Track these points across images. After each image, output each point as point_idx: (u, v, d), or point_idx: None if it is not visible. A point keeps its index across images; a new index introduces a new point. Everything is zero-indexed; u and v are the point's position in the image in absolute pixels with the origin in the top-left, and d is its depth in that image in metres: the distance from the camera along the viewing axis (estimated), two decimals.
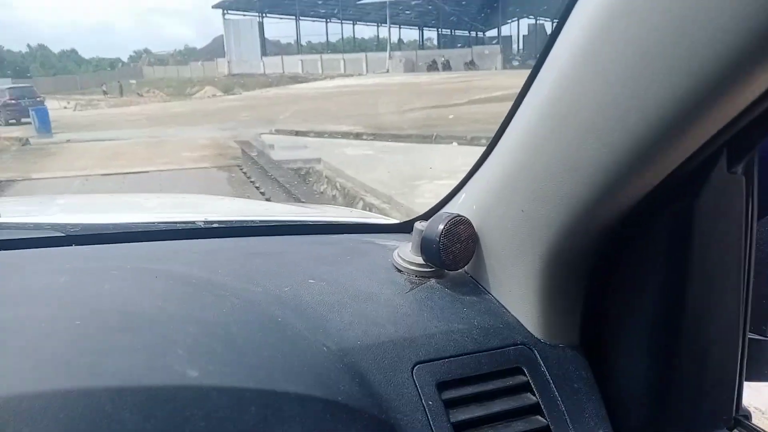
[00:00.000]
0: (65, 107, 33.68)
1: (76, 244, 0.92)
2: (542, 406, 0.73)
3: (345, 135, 13.90)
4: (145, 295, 0.71)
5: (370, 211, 7.37)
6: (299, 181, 9.57)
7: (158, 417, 0.54)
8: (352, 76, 48.49)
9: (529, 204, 0.70)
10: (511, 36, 69.65)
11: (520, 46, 66.82)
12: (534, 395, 0.73)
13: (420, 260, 0.86)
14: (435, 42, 74.24)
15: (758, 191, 0.66)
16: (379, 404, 0.66)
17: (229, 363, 0.61)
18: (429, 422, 0.67)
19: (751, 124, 0.55)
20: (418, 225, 0.85)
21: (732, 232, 0.65)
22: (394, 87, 30.57)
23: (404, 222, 1.14)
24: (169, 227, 1.03)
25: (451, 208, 0.89)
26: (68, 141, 16.90)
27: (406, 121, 15.27)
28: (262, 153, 11.96)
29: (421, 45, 73.30)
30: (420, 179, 8.16)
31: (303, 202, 7.75)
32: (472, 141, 11.25)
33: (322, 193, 9.21)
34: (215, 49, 74.42)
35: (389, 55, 56.45)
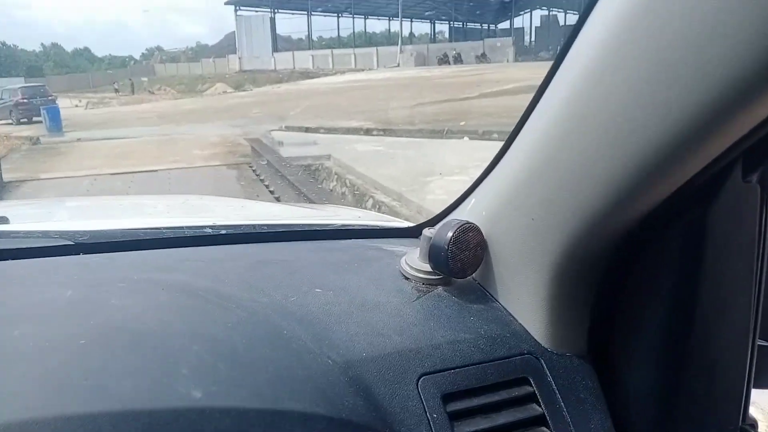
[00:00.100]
0: (77, 105, 33.95)
1: (84, 253, 0.92)
2: (548, 418, 0.72)
3: (355, 131, 13.84)
4: (150, 311, 0.71)
5: (380, 209, 7.27)
6: (309, 179, 9.49)
7: None
8: (362, 70, 48.45)
9: (539, 212, 0.69)
10: (523, 28, 69.34)
11: (533, 38, 66.47)
12: (540, 406, 0.73)
13: (427, 267, 0.85)
14: (446, 35, 74.00)
15: None
16: (383, 418, 0.66)
17: (233, 382, 0.61)
18: None
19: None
20: (426, 232, 0.83)
21: (745, 241, 0.64)
22: (405, 81, 30.45)
23: (413, 227, 1.13)
24: (177, 234, 1.03)
25: (460, 214, 0.89)
26: (78, 140, 16.94)
27: (416, 116, 15.16)
28: (271, 150, 11.93)
29: (433, 38, 73.06)
30: (431, 175, 8.04)
31: (312, 200, 7.67)
32: (484, 135, 11.11)
33: (331, 190, 9.13)
34: (227, 46, 74.72)
35: (400, 49, 56.27)
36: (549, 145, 0.66)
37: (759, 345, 0.70)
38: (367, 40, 72.69)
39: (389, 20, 71.54)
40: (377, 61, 54.21)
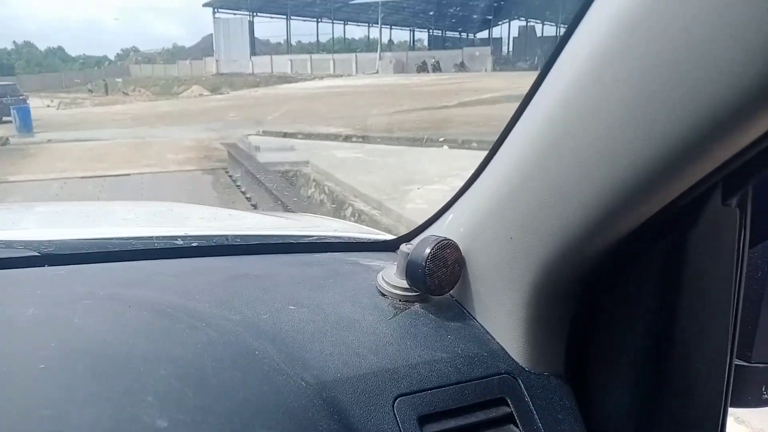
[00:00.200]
0: (49, 105, 33.45)
1: (49, 264, 0.88)
2: None
3: (334, 137, 13.78)
4: (116, 332, 0.68)
5: (359, 218, 7.18)
6: (286, 186, 9.35)
7: None
8: (341, 76, 48.49)
9: (517, 232, 0.69)
10: (501, 38, 70.03)
11: (511, 48, 67.20)
12: (517, 427, 0.72)
13: (404, 284, 0.83)
14: (426, 43, 74.41)
15: (751, 220, 0.64)
16: None
17: (201, 409, 0.59)
18: None
19: (749, 160, 0.53)
20: (404, 247, 0.82)
21: (724, 263, 0.63)
22: (384, 88, 30.51)
23: (390, 240, 1.12)
24: (147, 245, 0.99)
25: (438, 229, 0.88)
26: (49, 141, 16.63)
27: (396, 123, 15.13)
28: (248, 155, 11.77)
29: (412, 46, 73.44)
30: (411, 184, 7.96)
31: (289, 208, 7.53)
32: (463, 144, 11.11)
33: (309, 197, 9.02)
34: (204, 48, 74.25)
35: (379, 55, 56.42)
36: (527, 166, 0.65)
37: (736, 364, 0.70)
38: (347, 46, 72.80)
39: (369, 26, 71.77)
40: (356, 67, 54.30)
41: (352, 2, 62.10)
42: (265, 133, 15.40)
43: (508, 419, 0.73)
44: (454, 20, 68.76)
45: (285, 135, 14.74)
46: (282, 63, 57.64)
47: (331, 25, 69.54)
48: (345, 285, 0.90)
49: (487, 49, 57.06)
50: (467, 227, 0.80)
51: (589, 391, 0.77)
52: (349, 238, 1.25)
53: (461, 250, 0.80)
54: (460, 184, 0.84)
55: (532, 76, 0.66)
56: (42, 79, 65.49)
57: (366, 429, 0.66)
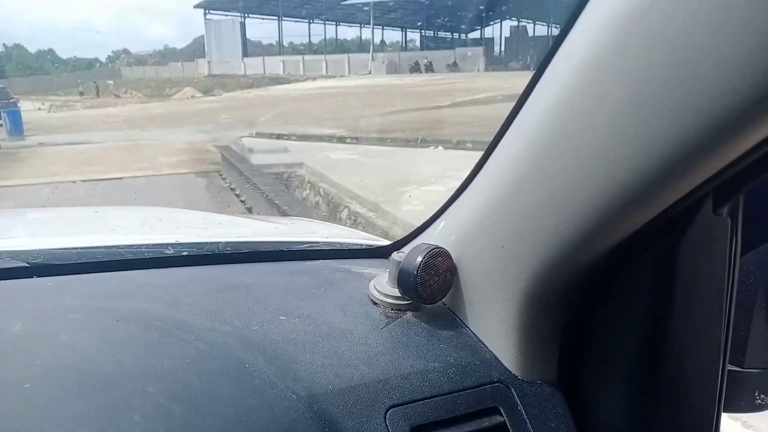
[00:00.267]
0: (40, 108, 33.21)
1: (38, 276, 0.88)
2: None
3: (328, 138, 13.74)
4: (104, 347, 0.67)
5: (355, 220, 7.13)
6: (281, 188, 9.28)
7: None
8: (334, 77, 48.43)
9: (508, 241, 0.69)
10: (493, 38, 70.11)
11: (503, 48, 67.28)
12: None
13: (396, 292, 0.83)
14: (418, 44, 74.40)
15: (742, 228, 0.64)
16: None
17: (190, 427, 0.58)
18: None
19: (740, 170, 0.53)
20: (395, 256, 0.82)
21: (715, 271, 0.64)
22: (377, 89, 30.47)
23: (382, 247, 1.11)
24: (136, 255, 0.99)
25: (430, 236, 0.88)
26: (40, 144, 16.51)
27: (390, 124, 15.09)
28: (242, 158, 11.70)
29: (404, 47, 73.40)
30: (406, 185, 7.91)
31: (284, 211, 7.47)
32: (458, 145, 11.07)
33: (304, 199, 8.96)
34: (196, 50, 73.98)
35: (372, 56, 56.37)
36: (517, 175, 0.65)
37: (729, 370, 0.70)
38: (339, 46, 72.73)
39: (361, 27, 71.71)
40: (349, 68, 54.24)
41: (344, 2, 62.06)
42: (259, 135, 15.33)
43: (501, 429, 0.72)
44: (446, 20, 68.83)
45: (278, 137, 14.70)
46: (274, 64, 57.51)
47: (323, 26, 69.47)
48: (336, 294, 0.89)
49: (480, 50, 57.12)
50: (459, 235, 0.79)
51: (582, 399, 0.77)
52: (342, 244, 1.23)
53: (453, 258, 0.79)
54: (456, 184, 0.83)
55: (524, 76, 0.71)
56: (33, 81, 65.06)
57: None
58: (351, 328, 0.80)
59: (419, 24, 69.64)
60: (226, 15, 63.71)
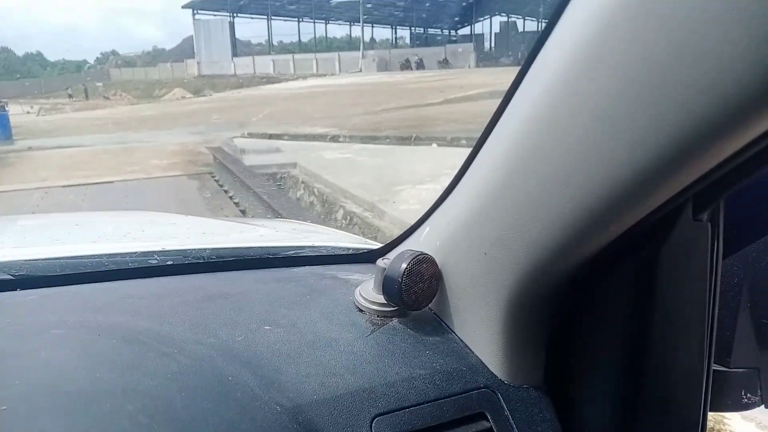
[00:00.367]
0: (28, 112, 33.03)
1: (21, 288, 0.87)
2: None
3: (321, 137, 13.63)
4: (83, 364, 0.66)
5: (351, 220, 7.04)
6: (275, 189, 9.18)
7: None
8: (325, 75, 48.35)
9: (490, 248, 0.69)
10: (483, 34, 70.18)
11: (493, 44, 67.34)
12: None
13: (382, 299, 0.83)
14: (408, 41, 74.35)
15: (724, 232, 0.64)
16: None
17: None
18: None
19: (720, 178, 0.54)
20: (380, 262, 0.82)
21: (697, 275, 0.64)
22: (368, 87, 30.40)
23: (373, 250, 1.10)
24: (121, 266, 0.98)
25: (415, 242, 0.88)
26: (29, 148, 16.31)
27: (383, 122, 15.01)
28: (234, 159, 11.58)
29: (394, 44, 73.36)
30: (402, 184, 7.82)
31: (278, 212, 7.37)
32: (452, 142, 10.99)
33: (298, 200, 8.86)
34: (185, 50, 73.75)
35: (362, 54, 56.27)
36: (497, 186, 0.66)
37: (716, 370, 0.71)
38: (329, 45, 72.62)
39: (350, 25, 71.57)
40: (339, 66, 54.16)
41: (333, 0, 61.92)
42: (251, 135, 15.21)
43: None
44: (435, 17, 68.81)
45: (271, 137, 14.57)
46: (264, 63, 57.38)
47: (312, 24, 69.31)
48: (322, 302, 0.88)
49: (470, 46, 57.18)
50: (443, 241, 0.79)
51: (569, 403, 0.77)
52: (328, 249, 1.21)
53: (438, 264, 0.79)
54: None
55: (515, 72, 0.65)
56: (21, 85, 64.62)
57: None
58: (336, 336, 0.79)
59: (409, 21, 69.59)
60: (215, 15, 63.59)
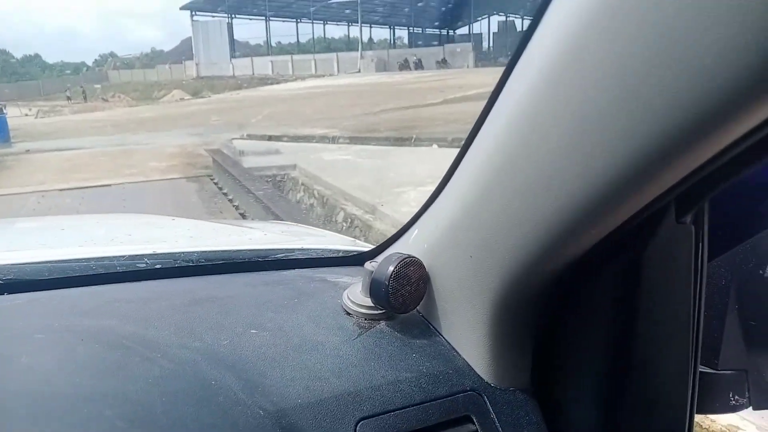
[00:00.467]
0: (27, 114, 33.02)
1: (9, 293, 0.87)
2: None
3: (320, 139, 13.58)
4: (64, 369, 0.66)
5: (352, 223, 6.99)
6: (274, 191, 9.11)
7: None
8: (323, 76, 48.30)
9: (476, 251, 0.70)
10: (481, 33, 70.16)
11: (491, 44, 67.31)
12: None
13: (369, 302, 0.83)
14: (406, 41, 74.32)
15: (709, 234, 0.65)
16: None
17: None
18: None
19: (703, 179, 0.54)
20: (368, 265, 0.82)
21: (681, 277, 0.65)
22: (367, 87, 30.36)
23: (364, 252, 1.10)
24: (109, 269, 0.97)
25: (404, 244, 0.88)
26: (27, 151, 16.29)
27: (382, 123, 14.95)
28: (234, 161, 11.52)
29: (392, 44, 73.32)
30: (403, 185, 7.76)
31: (278, 215, 7.30)
32: (453, 143, 10.92)
33: (298, 202, 8.79)
34: (183, 52, 73.74)
35: (360, 54, 56.24)
36: (481, 190, 0.66)
37: (704, 372, 0.72)
38: (327, 45, 72.63)
39: (348, 26, 71.55)
40: (338, 66, 54.13)
41: (331, 1, 61.91)
42: (250, 137, 15.17)
43: None
44: (433, 17, 68.82)
45: (270, 138, 14.53)
46: (263, 64, 57.35)
47: (311, 25, 69.28)
48: (310, 305, 0.88)
49: (468, 45, 57.14)
50: (430, 243, 0.79)
51: (555, 405, 0.77)
52: (320, 252, 1.21)
53: (426, 267, 0.79)
54: None
55: None
56: (19, 87, 64.64)
57: None
58: (323, 339, 0.79)
59: (407, 21, 69.59)
60: (213, 16, 63.61)
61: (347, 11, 64.06)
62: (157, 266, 1.01)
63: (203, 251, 1.12)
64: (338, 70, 53.04)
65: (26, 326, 0.77)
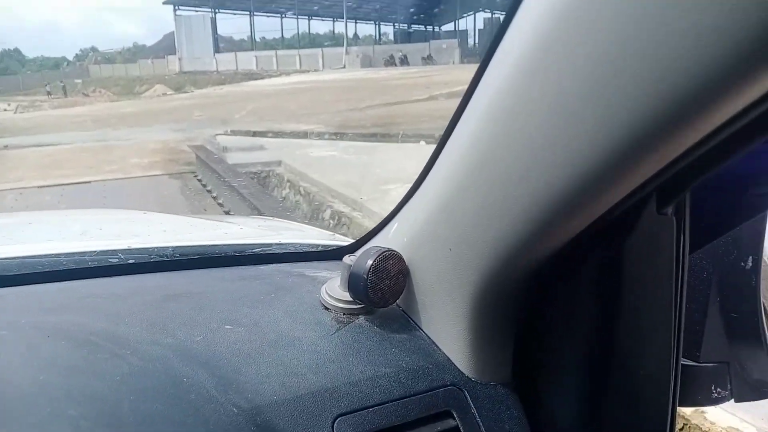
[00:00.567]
0: (5, 109, 32.41)
1: None
2: None
3: (306, 135, 13.44)
4: (28, 367, 0.63)
5: (339, 220, 6.91)
6: (259, 188, 8.96)
7: None
8: (308, 72, 48.08)
9: (455, 244, 0.69)
10: (467, 30, 70.30)
11: (477, 41, 67.44)
12: None
13: (348, 297, 0.82)
14: (391, 37, 74.22)
15: (690, 226, 0.64)
16: None
17: None
18: None
19: (683, 169, 0.54)
20: (347, 259, 0.81)
21: (662, 269, 0.64)
22: (353, 83, 30.23)
23: (344, 246, 1.07)
24: (80, 265, 0.94)
25: (383, 238, 0.88)
26: (6, 147, 16.00)
27: (369, 119, 14.85)
28: (217, 157, 11.37)
29: (378, 40, 73.15)
30: (390, 182, 7.67)
31: (262, 212, 7.18)
32: (439, 139, 10.85)
33: (284, 199, 8.66)
34: (166, 47, 73.06)
35: (346, 50, 56.01)
36: (458, 183, 0.66)
37: (686, 365, 0.71)
38: (312, 41, 72.31)
39: (333, 21, 71.30)
40: (323, 62, 53.90)
41: None
42: (234, 133, 15.02)
43: None
44: (419, 13, 68.82)
45: (254, 134, 14.42)
46: (247, 60, 56.94)
47: (295, 20, 68.92)
48: (287, 300, 0.87)
49: (454, 42, 57.20)
50: (410, 237, 0.79)
51: (536, 399, 0.77)
52: (298, 246, 1.19)
53: (405, 261, 0.78)
54: None
55: None
56: None
57: None
58: (300, 335, 0.78)
59: (392, 17, 69.50)
60: (196, 11, 63.05)
61: (332, 7, 63.80)
62: (131, 261, 0.98)
63: (178, 246, 1.10)
64: (323, 66, 52.81)
65: None
